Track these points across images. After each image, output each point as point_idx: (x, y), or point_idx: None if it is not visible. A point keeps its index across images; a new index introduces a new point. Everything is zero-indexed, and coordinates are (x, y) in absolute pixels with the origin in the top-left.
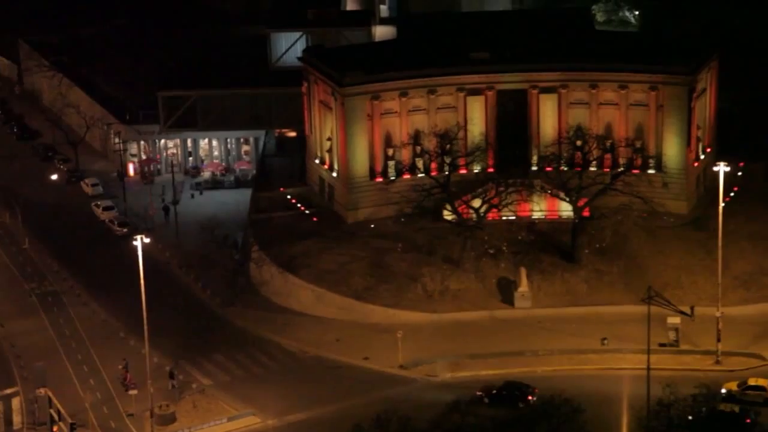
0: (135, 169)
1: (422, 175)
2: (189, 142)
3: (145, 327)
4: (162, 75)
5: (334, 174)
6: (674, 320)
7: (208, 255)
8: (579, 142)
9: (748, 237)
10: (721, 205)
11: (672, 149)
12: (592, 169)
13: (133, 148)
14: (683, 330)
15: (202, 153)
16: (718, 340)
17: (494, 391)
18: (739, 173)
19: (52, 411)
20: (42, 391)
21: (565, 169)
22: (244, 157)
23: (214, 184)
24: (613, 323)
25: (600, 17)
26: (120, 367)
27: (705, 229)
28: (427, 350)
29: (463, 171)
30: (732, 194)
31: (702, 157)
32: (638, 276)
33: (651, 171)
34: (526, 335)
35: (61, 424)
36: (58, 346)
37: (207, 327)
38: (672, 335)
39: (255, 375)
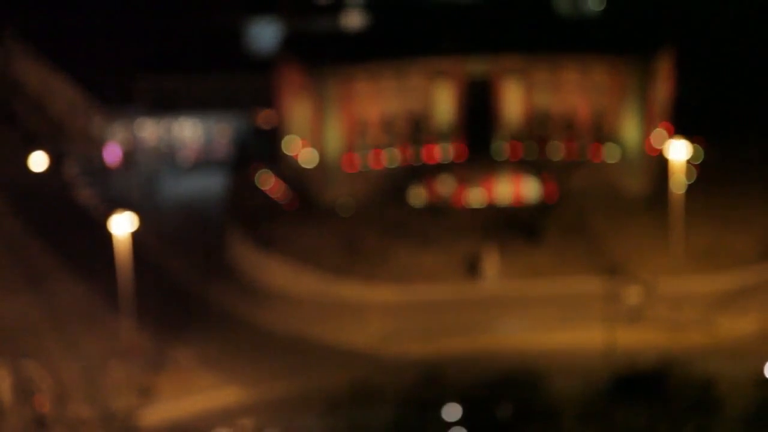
0: (116, 152)
1: (394, 157)
2: (167, 126)
3: (123, 300)
4: (141, 60)
5: (308, 156)
6: (633, 293)
7: (188, 234)
8: (543, 123)
9: (704, 213)
10: (679, 181)
11: (632, 131)
12: (556, 158)
13: (113, 131)
14: (642, 303)
15: (180, 136)
16: (676, 312)
17: (632, 380)
18: (697, 159)
19: (35, 383)
20: (25, 362)
21: (531, 155)
22: (222, 140)
23: (192, 166)
24: (577, 298)
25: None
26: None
27: (664, 206)
28: (398, 326)
29: (433, 154)
30: (689, 180)
31: (661, 138)
32: (601, 253)
33: (611, 152)
34: (494, 312)
35: (42, 394)
36: (40, 322)
37: (185, 303)
38: (630, 307)
39: (232, 351)
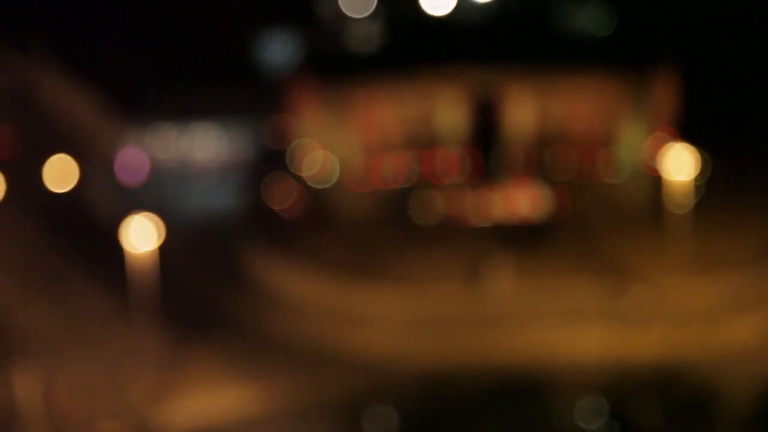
0: (129, 162)
1: (405, 173)
2: (180, 137)
3: (142, 306)
4: (152, 70)
5: (321, 173)
6: (641, 299)
7: (204, 245)
8: (546, 139)
9: (706, 224)
10: (682, 201)
11: (637, 150)
12: (560, 176)
13: (127, 142)
14: (651, 308)
15: (194, 147)
16: (674, 321)
17: None
18: (704, 178)
19: (59, 387)
20: (50, 367)
21: (536, 172)
22: (237, 153)
23: (206, 176)
24: (582, 312)
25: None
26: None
27: (671, 224)
28: (403, 340)
29: (442, 170)
30: (696, 198)
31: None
32: (608, 265)
33: (616, 171)
34: (500, 325)
35: (66, 398)
36: (56, 328)
37: (202, 311)
38: (639, 313)
39: (244, 359)
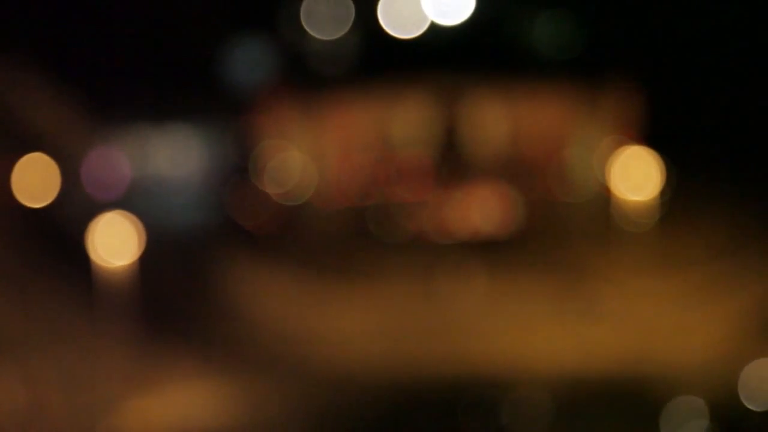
0: (103, 174)
1: (371, 190)
2: (151, 146)
3: (111, 316)
4: (117, 74)
5: (289, 189)
6: (602, 299)
7: (172, 258)
8: (507, 158)
9: (666, 233)
10: (642, 219)
11: (597, 160)
12: (520, 194)
13: (101, 152)
14: (611, 307)
15: (166, 157)
16: (648, 317)
17: None
18: (666, 195)
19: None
20: (31, 371)
21: (497, 188)
22: (200, 163)
23: (177, 187)
24: (544, 324)
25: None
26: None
27: (633, 240)
28: (367, 357)
29: (407, 185)
30: (657, 216)
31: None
32: (570, 282)
33: (575, 189)
34: (466, 340)
35: (45, 400)
36: (34, 332)
37: (170, 322)
38: (599, 311)
39: (217, 370)
